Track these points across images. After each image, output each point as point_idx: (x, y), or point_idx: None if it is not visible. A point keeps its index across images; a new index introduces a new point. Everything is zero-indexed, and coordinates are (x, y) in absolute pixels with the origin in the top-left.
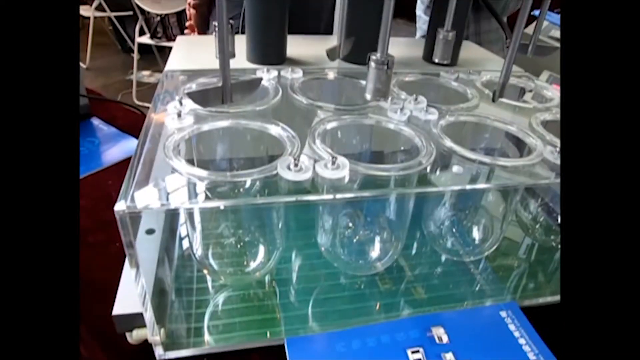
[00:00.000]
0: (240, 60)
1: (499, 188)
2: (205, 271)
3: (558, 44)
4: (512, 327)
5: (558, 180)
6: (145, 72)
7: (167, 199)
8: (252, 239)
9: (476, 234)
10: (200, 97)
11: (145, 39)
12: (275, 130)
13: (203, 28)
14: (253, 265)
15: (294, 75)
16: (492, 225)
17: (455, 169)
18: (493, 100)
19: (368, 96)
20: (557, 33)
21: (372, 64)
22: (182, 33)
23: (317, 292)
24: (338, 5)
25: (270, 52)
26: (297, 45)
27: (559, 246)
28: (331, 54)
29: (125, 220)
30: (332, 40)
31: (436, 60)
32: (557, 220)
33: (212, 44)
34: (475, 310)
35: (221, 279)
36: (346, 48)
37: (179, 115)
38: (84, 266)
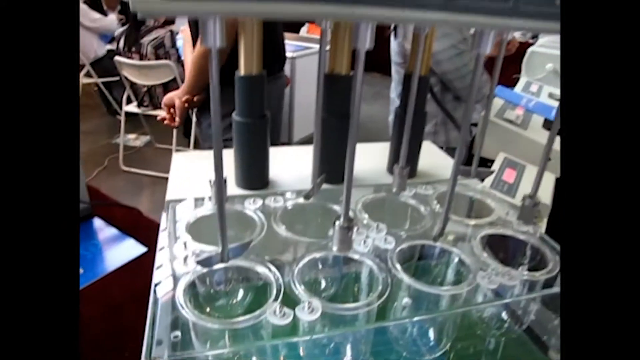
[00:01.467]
0: (230, 185)
1: (439, 316)
2: None
3: (514, 127)
4: None
5: (489, 303)
6: (132, 136)
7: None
8: (246, 354)
9: (430, 338)
10: (207, 262)
11: (132, 107)
12: (261, 269)
13: (183, 119)
14: None
15: (276, 204)
16: (440, 330)
17: (404, 301)
18: (434, 240)
19: (335, 249)
20: (511, 114)
21: (337, 227)
22: None
23: None
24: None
25: (254, 180)
26: (279, 162)
27: (502, 340)
28: (307, 196)
29: None
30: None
31: (394, 190)
32: (501, 320)
33: (206, 161)
34: None
35: None
36: (318, 187)
37: (185, 260)
38: None
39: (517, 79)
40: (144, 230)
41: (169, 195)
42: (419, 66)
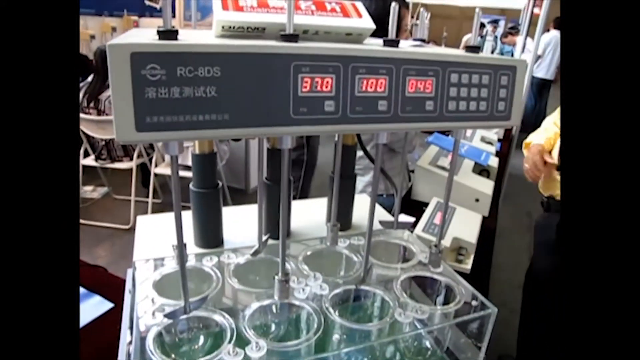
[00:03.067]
0: (190, 244)
1: (367, 346)
2: None
3: (444, 172)
4: None
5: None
6: (88, 188)
7: None
8: None
9: None
10: (172, 314)
11: (90, 161)
12: (218, 317)
13: None
14: None
15: (229, 260)
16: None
17: (335, 337)
18: (357, 285)
19: (276, 297)
20: (444, 161)
21: (276, 281)
22: (125, 154)
23: None
24: (257, 211)
25: (210, 240)
26: (232, 221)
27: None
28: (254, 254)
29: None
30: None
31: (328, 244)
32: (421, 344)
33: (166, 224)
34: None
35: None
36: (264, 246)
37: (153, 314)
38: None
39: None
40: (110, 287)
41: (136, 256)
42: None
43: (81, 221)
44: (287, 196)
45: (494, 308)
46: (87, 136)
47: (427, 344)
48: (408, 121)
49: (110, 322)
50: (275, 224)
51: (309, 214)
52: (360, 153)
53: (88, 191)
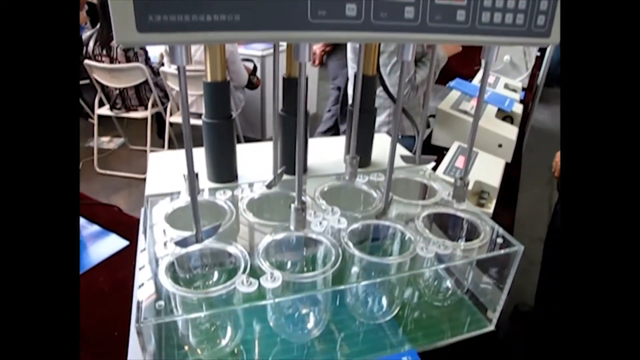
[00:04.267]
0: (203, 179)
1: (387, 282)
2: (186, 347)
3: (466, 117)
4: None
5: (423, 270)
6: (105, 139)
7: (165, 313)
8: (222, 323)
9: (380, 304)
10: (183, 243)
11: (105, 110)
12: (232, 249)
13: None
14: (224, 342)
15: (243, 194)
16: (390, 296)
17: (354, 270)
18: (376, 218)
19: (292, 227)
20: (466, 105)
21: (292, 209)
22: (140, 103)
23: (272, 354)
24: (272, 143)
25: (224, 174)
26: (247, 159)
27: (445, 303)
28: (269, 186)
29: (141, 330)
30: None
31: (347, 178)
32: (441, 284)
33: (180, 159)
34: (384, 359)
35: (198, 353)
36: (279, 177)
37: (165, 244)
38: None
39: (478, 70)
40: (125, 225)
41: (148, 191)
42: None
43: (98, 171)
44: (303, 117)
45: (520, 246)
46: (101, 85)
47: (448, 284)
48: (436, 32)
49: (125, 259)
50: (291, 158)
51: (327, 152)
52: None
53: (105, 142)
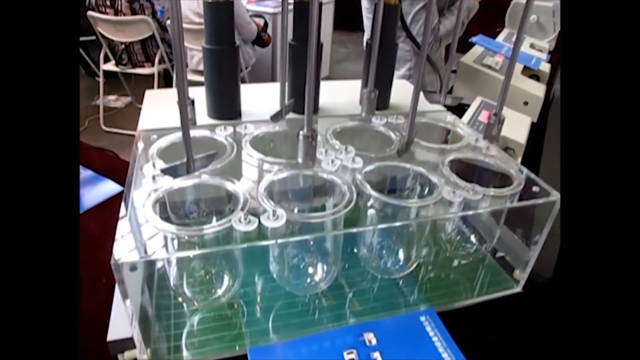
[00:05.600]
0: (202, 115)
1: (403, 224)
2: (180, 299)
3: (490, 71)
4: (429, 329)
5: (451, 215)
6: (112, 97)
7: (147, 252)
8: (218, 270)
9: (398, 256)
10: (172, 171)
11: (111, 66)
12: (231, 186)
13: None
14: (220, 291)
15: (246, 131)
16: (410, 248)
17: (370, 212)
18: (398, 155)
19: (300, 160)
20: (490, 60)
21: (301, 137)
22: (147, 60)
23: (274, 310)
24: (279, 71)
25: (226, 110)
26: (251, 97)
27: (467, 261)
28: (275, 118)
29: (120, 270)
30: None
31: (363, 115)
32: (464, 240)
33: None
34: (399, 318)
35: (194, 304)
36: (288, 109)
37: (154, 178)
38: None
39: (500, 31)
40: (121, 171)
41: (141, 126)
42: None
43: (105, 129)
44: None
45: (556, 193)
46: (107, 40)
47: (472, 239)
48: None
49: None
50: (301, 94)
51: (341, 94)
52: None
53: (112, 100)
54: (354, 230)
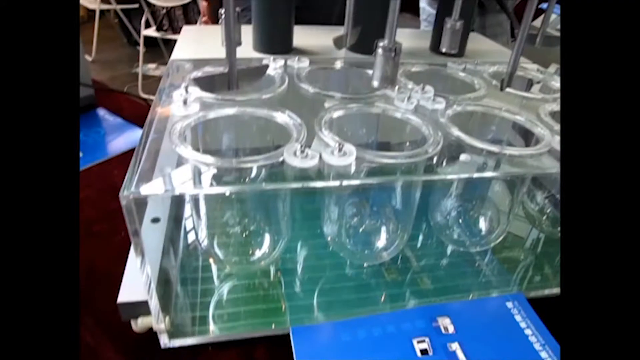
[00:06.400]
0: (247, 49)
1: (506, 177)
2: (210, 260)
3: None
4: (518, 317)
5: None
6: (151, 65)
7: (172, 186)
8: (258, 228)
9: (482, 224)
10: (207, 83)
11: (151, 32)
12: (281, 118)
13: (216, 20)
14: (258, 254)
15: (301, 64)
16: (498, 216)
17: (463, 157)
18: (501, 89)
19: (375, 83)
20: None
21: (380, 50)
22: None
23: (322, 281)
24: None
25: (277, 41)
26: (304, 36)
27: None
28: (338, 42)
29: (131, 207)
30: (340, 31)
31: (443, 50)
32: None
33: (218, 34)
34: (481, 301)
35: (226, 268)
36: (353, 37)
37: (185, 102)
38: (88, 256)
39: None
40: None
41: (174, 57)
42: None
43: (142, 95)
44: None
45: None
46: (148, 4)
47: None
48: None
49: None
50: (367, 29)
51: (410, 40)
52: None
53: (151, 69)
54: (447, 177)
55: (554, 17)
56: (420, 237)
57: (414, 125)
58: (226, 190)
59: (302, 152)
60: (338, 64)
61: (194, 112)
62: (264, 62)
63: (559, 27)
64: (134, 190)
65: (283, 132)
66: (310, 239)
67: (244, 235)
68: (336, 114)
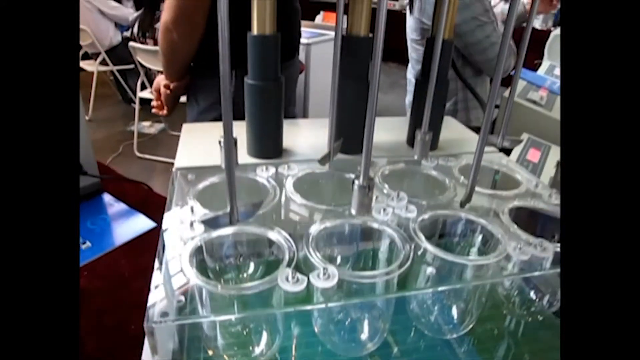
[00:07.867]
0: (242, 153)
1: (466, 286)
2: (210, 352)
3: (536, 107)
4: None
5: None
6: (146, 123)
7: (185, 312)
8: (257, 327)
9: (453, 315)
10: (214, 222)
11: (147, 93)
12: (273, 235)
13: (173, 106)
14: (257, 350)
15: (290, 172)
16: (467, 307)
17: (429, 270)
18: (461, 206)
19: (354, 212)
20: (534, 95)
21: (356, 187)
22: None
23: None
24: (329, 108)
25: (267, 148)
26: (292, 133)
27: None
28: (322, 161)
29: (152, 331)
30: (325, 123)
31: (415, 158)
32: (529, 300)
33: (214, 132)
34: None
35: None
36: (336, 151)
37: (192, 225)
38: (101, 348)
39: (539, 65)
40: (153, 206)
41: (177, 164)
42: (442, 30)
43: (138, 154)
44: (377, 75)
45: None
46: (144, 68)
47: (532, 296)
48: None
49: (150, 242)
50: (348, 132)
51: (383, 132)
52: None
53: (145, 127)
54: (413, 293)
55: (524, 84)
56: (401, 327)
57: (389, 236)
58: (230, 317)
59: (293, 277)
60: (322, 170)
61: (199, 233)
62: (257, 171)
63: (528, 96)
64: (157, 319)
65: (277, 249)
66: (303, 328)
67: (244, 332)
68: (322, 225)
